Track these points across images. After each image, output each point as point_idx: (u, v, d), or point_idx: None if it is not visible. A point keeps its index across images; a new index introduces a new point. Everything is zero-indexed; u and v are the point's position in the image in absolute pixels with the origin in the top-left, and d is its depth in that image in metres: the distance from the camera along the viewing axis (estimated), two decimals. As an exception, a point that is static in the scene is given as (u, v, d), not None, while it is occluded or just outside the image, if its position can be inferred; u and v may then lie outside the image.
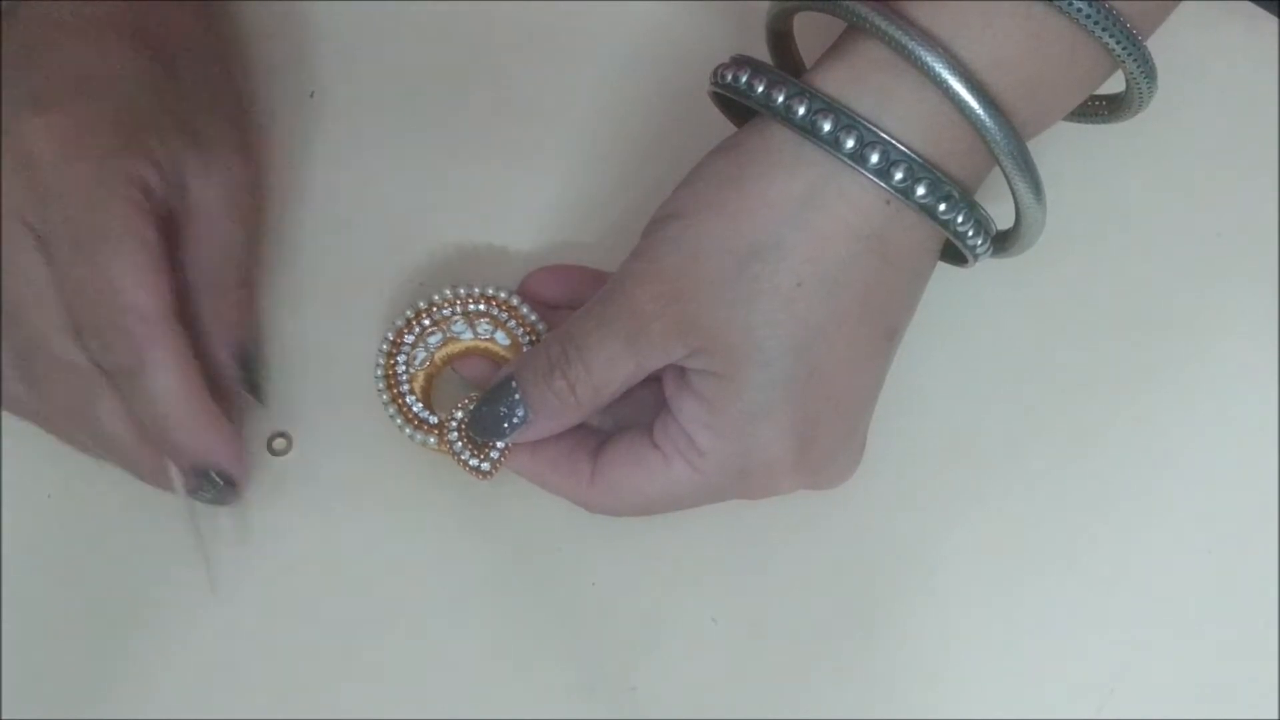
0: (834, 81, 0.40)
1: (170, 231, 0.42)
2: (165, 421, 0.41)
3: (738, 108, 0.43)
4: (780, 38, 0.44)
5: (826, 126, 0.39)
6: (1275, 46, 0.51)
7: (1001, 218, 0.42)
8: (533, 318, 0.46)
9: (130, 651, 0.44)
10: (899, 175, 0.39)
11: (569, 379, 0.41)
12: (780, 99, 0.40)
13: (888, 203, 0.39)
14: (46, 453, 0.46)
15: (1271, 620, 0.44)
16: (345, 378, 0.47)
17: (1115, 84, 0.42)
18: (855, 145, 0.39)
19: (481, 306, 0.45)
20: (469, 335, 0.45)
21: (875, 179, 0.39)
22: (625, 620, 0.44)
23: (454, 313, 0.45)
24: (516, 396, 0.42)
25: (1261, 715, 0.44)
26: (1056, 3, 0.38)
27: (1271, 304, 0.48)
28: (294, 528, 0.45)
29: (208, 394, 0.42)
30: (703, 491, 0.42)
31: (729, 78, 0.41)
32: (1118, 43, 0.39)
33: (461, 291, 0.46)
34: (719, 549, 0.45)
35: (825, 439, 0.42)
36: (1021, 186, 0.40)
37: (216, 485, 0.42)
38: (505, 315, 0.45)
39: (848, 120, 0.39)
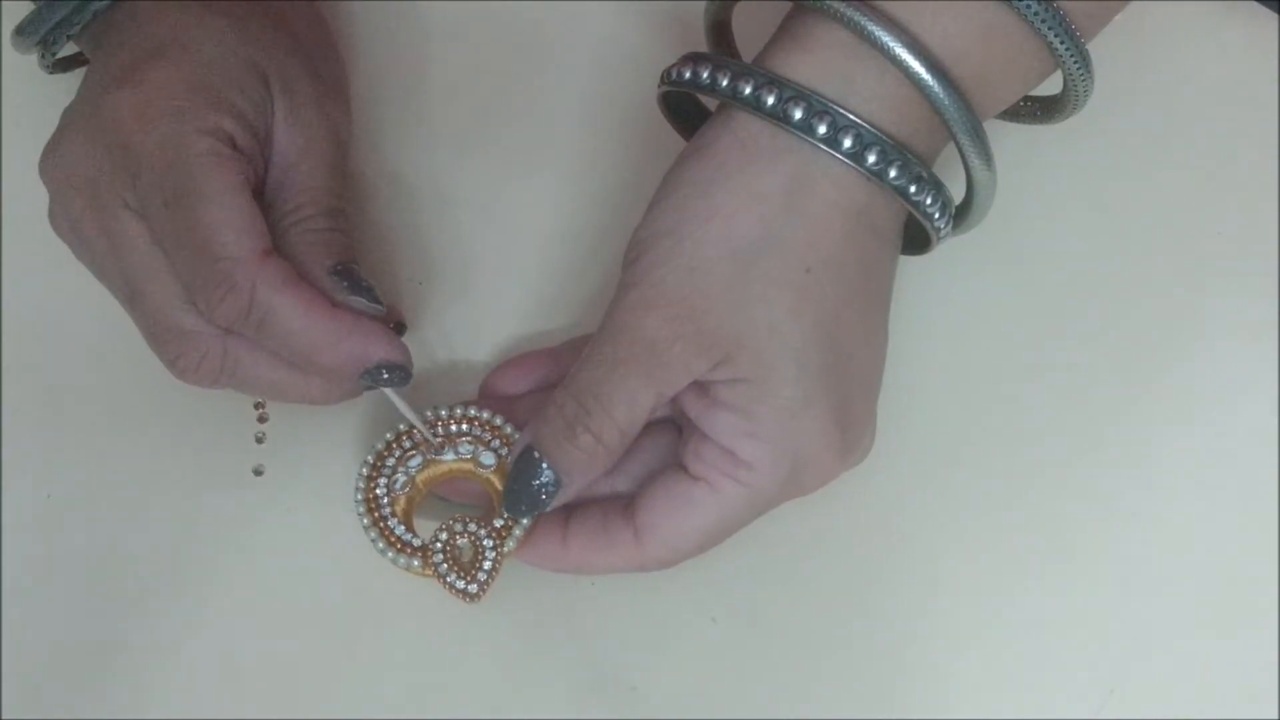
0: (797, 67, 0.40)
1: (261, 179, 0.42)
2: (307, 351, 0.41)
3: (683, 114, 0.44)
4: (720, 29, 0.44)
5: (798, 114, 0.39)
6: (1275, 46, 0.51)
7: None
8: (517, 436, 0.44)
9: (130, 651, 0.44)
10: (872, 158, 0.39)
11: (593, 431, 0.40)
12: (748, 90, 0.39)
13: (868, 179, 0.40)
14: (46, 453, 0.46)
15: (1271, 620, 0.44)
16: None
17: (1051, 85, 0.43)
18: (828, 131, 0.39)
19: (464, 427, 0.44)
20: (450, 457, 0.44)
21: (849, 163, 0.39)
22: (625, 620, 0.44)
23: (435, 435, 0.44)
24: (544, 465, 0.41)
25: (1261, 715, 0.44)
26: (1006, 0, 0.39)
27: (1271, 304, 0.48)
28: (294, 527, 0.45)
29: (329, 305, 0.41)
30: (757, 505, 0.41)
31: (688, 75, 0.41)
32: (1061, 43, 0.40)
33: (443, 413, 0.44)
34: (719, 549, 0.45)
35: (857, 417, 0.42)
36: (976, 163, 0.40)
37: (384, 377, 0.42)
38: (489, 435, 0.44)
39: (820, 106, 0.39)
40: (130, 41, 0.42)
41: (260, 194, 0.42)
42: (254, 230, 0.40)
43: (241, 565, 0.45)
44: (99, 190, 0.41)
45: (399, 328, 0.45)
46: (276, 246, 0.41)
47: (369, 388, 0.42)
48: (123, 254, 0.41)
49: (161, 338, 0.42)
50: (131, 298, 0.42)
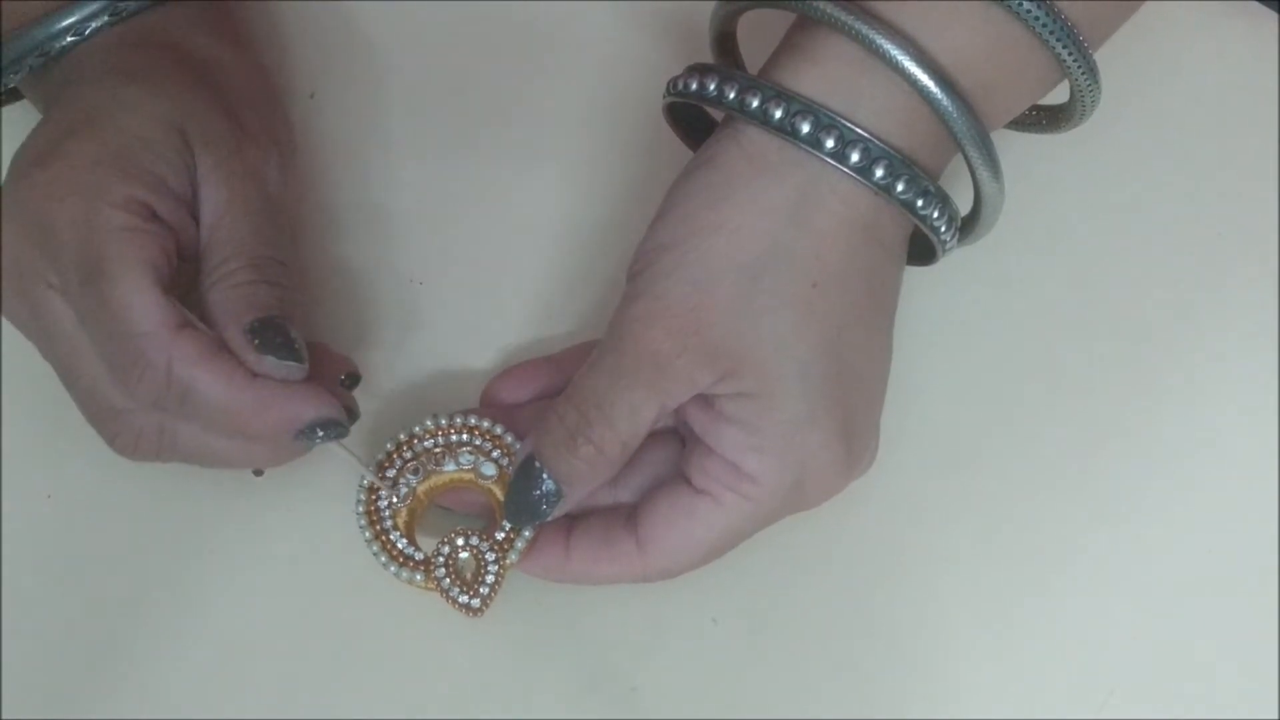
0: (804, 80, 0.40)
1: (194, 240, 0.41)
2: (233, 425, 0.40)
3: (688, 123, 0.44)
4: (725, 39, 0.44)
5: (806, 128, 0.39)
6: (1275, 46, 0.51)
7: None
8: (518, 446, 0.44)
9: (130, 651, 0.44)
10: (880, 172, 0.39)
11: (595, 442, 0.40)
12: (755, 103, 0.39)
13: (876, 193, 0.40)
14: (46, 453, 0.46)
15: (1271, 621, 0.44)
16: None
17: (1057, 95, 0.43)
18: (836, 144, 0.39)
19: (464, 437, 0.44)
20: (451, 467, 0.44)
21: (857, 177, 0.39)
22: (625, 620, 0.44)
23: (435, 444, 0.44)
24: (545, 475, 0.41)
25: (1261, 715, 0.44)
26: (1013, 8, 0.38)
27: (1271, 304, 0.48)
28: (294, 528, 0.45)
29: (250, 373, 0.40)
30: (760, 518, 0.41)
31: (694, 86, 0.41)
32: (1068, 52, 0.39)
33: (443, 422, 0.44)
34: (719, 549, 0.45)
35: (861, 431, 0.42)
36: (984, 174, 0.40)
37: (319, 435, 0.41)
38: (490, 445, 0.44)
39: (828, 120, 0.39)
40: (51, 120, 0.41)
41: (195, 256, 0.41)
42: (166, 305, 0.39)
43: (241, 566, 0.45)
44: (23, 271, 0.40)
45: (351, 379, 0.44)
46: (205, 306, 0.40)
47: (311, 447, 0.41)
48: (51, 335, 0.40)
49: (98, 417, 0.41)
50: (65, 378, 0.41)
